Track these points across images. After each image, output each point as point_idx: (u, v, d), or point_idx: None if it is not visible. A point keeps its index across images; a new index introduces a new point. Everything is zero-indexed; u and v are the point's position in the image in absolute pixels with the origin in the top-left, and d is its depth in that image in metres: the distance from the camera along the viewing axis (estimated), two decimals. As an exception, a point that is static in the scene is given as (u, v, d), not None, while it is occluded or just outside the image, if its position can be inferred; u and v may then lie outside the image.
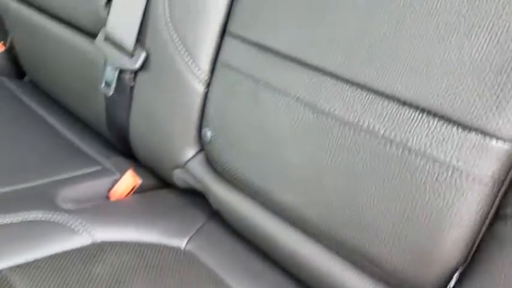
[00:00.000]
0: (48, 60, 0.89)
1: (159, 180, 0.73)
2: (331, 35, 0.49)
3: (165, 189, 0.72)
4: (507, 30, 0.39)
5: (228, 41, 0.59)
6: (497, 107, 0.39)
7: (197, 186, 0.65)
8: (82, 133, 0.84)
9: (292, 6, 0.53)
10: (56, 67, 0.87)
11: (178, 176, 0.67)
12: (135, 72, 0.68)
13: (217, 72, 0.60)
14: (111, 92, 0.70)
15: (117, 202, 0.68)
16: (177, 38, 0.62)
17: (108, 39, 0.69)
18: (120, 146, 0.76)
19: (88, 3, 0.74)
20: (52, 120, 0.88)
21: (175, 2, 0.62)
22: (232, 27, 0.59)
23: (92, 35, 0.74)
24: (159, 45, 0.64)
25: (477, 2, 0.41)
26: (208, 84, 0.61)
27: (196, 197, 0.68)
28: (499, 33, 0.39)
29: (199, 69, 0.61)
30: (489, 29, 0.40)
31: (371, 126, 0.46)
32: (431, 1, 0.43)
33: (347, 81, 0.48)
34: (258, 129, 0.55)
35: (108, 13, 0.70)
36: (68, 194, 0.66)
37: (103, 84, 0.70)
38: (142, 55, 0.65)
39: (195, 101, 0.62)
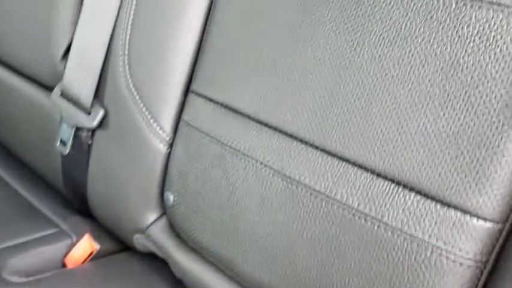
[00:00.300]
0: (3, 111, 0.84)
1: (119, 243, 0.69)
2: (298, 98, 0.47)
3: (126, 253, 0.67)
4: (484, 102, 0.37)
5: (192, 99, 0.56)
6: (476, 184, 0.37)
7: (159, 253, 0.60)
8: (38, 189, 0.78)
9: (257, 66, 0.50)
10: (12, 119, 0.82)
11: (139, 241, 0.62)
12: (93, 130, 0.64)
13: (180, 133, 0.57)
14: (67, 151, 0.65)
15: (72, 271, 0.62)
16: (138, 96, 0.59)
17: (64, 94, 0.65)
18: (78, 205, 0.72)
19: (44, 55, 0.70)
20: (5, 174, 0.82)
21: (135, 58, 0.59)
22: (196, 86, 0.56)
23: (49, 88, 0.70)
24: (118, 102, 0.61)
25: (452, 71, 0.39)
26: (171, 145, 0.58)
27: (158, 262, 0.63)
28: (475, 105, 0.37)
29: (161, 129, 0.58)
30: (465, 99, 0.38)
31: (344, 198, 0.43)
32: (403, 68, 0.41)
33: (317, 148, 0.45)
34: (225, 195, 0.51)
35: (65, 67, 0.66)
36: (19, 263, 0.61)
37: (58, 143, 0.66)
38: (100, 112, 0.62)
39: (156, 162, 0.59)
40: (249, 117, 0.50)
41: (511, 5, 0.36)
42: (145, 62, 0.59)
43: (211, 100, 0.54)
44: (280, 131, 0.48)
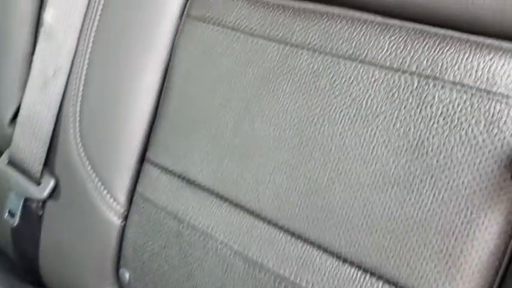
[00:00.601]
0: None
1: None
2: (259, 174, 0.44)
3: (81, 330, 0.63)
4: (451, 188, 0.35)
5: (147, 169, 0.53)
6: (447, 275, 0.35)
7: (116, 333, 0.56)
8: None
9: (216, 136, 0.47)
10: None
11: (95, 320, 0.58)
12: (44, 200, 0.59)
13: (135, 205, 0.53)
14: (16, 222, 0.61)
15: None
16: (89, 165, 0.55)
17: (12, 162, 0.61)
18: (29, 276, 0.67)
19: (-9, 118, 0.66)
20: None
21: (87, 125, 0.56)
22: (152, 154, 0.53)
23: (-1, 153, 0.66)
24: (69, 172, 0.57)
25: (416, 153, 0.37)
26: (126, 217, 0.54)
27: None
28: (442, 190, 0.36)
29: (114, 201, 0.54)
30: (431, 184, 0.36)
31: (309, 285, 0.40)
32: (366, 147, 0.39)
33: (280, 228, 0.43)
34: (183, 276, 0.48)
35: (13, 132, 0.62)
36: None
37: (6, 213, 0.62)
38: (51, 183, 0.58)
39: (110, 236, 0.55)
40: (208, 191, 0.48)
41: (474, 86, 0.35)
42: (97, 129, 0.55)
43: (168, 171, 0.51)
44: (242, 208, 0.45)
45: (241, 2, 0.47)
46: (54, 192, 0.58)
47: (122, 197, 0.54)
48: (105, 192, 0.54)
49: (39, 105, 0.59)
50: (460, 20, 0.37)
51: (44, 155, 0.58)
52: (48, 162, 0.59)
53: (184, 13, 0.51)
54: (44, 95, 0.58)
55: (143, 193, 0.52)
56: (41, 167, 0.58)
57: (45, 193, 0.58)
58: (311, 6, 0.44)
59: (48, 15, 0.57)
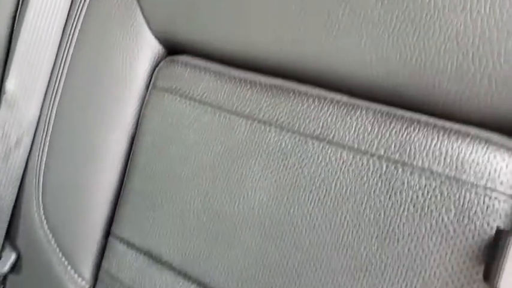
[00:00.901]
0: None
1: None
2: (228, 254, 0.42)
3: None
4: (423, 279, 0.34)
5: (113, 244, 0.51)
6: None
7: None
8: None
9: (183, 212, 0.46)
10: None
11: None
12: (5, 274, 0.57)
13: (101, 282, 0.51)
14: (-26, 298, 0.58)
15: None
16: (53, 239, 0.53)
17: (-29, 234, 0.59)
18: None
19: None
20: None
21: (50, 198, 0.54)
22: (117, 229, 0.51)
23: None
24: (32, 246, 0.54)
25: (387, 241, 0.36)
26: (92, 294, 0.52)
27: None
28: (414, 281, 0.34)
29: (79, 276, 0.52)
30: (403, 273, 0.35)
31: None
32: (336, 231, 0.38)
33: (250, 313, 0.41)
34: None
35: (-27, 201, 0.59)
36: None
37: (-36, 289, 0.59)
38: (12, 256, 0.55)
39: (76, 313, 0.52)
40: (175, 270, 0.46)
41: (443, 173, 0.34)
42: (61, 202, 0.53)
43: (134, 247, 0.49)
44: (210, 290, 0.43)
45: (208, 75, 0.46)
46: (16, 266, 0.56)
47: (87, 272, 0.52)
48: (69, 267, 0.52)
49: (0, 176, 0.56)
50: (426, 102, 0.37)
51: (5, 226, 0.56)
52: (10, 235, 0.56)
53: (150, 84, 0.50)
54: (6, 165, 0.56)
55: (109, 270, 0.50)
56: (1, 240, 0.56)
57: (7, 267, 0.55)
58: (278, 82, 0.43)
59: (11, 84, 0.55)
